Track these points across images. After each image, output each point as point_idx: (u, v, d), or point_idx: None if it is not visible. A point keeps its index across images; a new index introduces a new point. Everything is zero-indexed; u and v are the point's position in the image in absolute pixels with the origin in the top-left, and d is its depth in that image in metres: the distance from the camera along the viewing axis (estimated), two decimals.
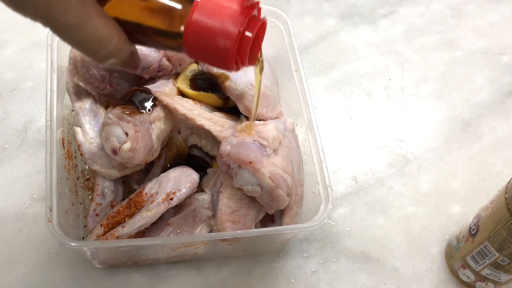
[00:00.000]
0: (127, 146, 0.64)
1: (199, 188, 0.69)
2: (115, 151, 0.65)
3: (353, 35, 1.01)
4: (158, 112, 0.68)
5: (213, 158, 0.73)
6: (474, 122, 0.91)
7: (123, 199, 0.70)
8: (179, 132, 0.73)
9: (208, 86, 0.73)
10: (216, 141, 0.69)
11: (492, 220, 0.65)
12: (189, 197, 0.67)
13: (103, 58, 0.45)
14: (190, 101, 0.71)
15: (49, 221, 0.61)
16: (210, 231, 0.67)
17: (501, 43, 1.01)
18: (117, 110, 0.66)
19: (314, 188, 0.69)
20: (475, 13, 1.06)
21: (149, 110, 0.67)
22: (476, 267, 0.70)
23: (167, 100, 0.68)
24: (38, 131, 0.84)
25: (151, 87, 0.71)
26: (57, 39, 0.74)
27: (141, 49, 0.70)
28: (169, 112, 0.69)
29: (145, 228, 0.65)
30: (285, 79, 0.78)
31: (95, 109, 0.72)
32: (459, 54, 1.00)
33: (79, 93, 0.73)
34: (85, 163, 0.70)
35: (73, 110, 0.74)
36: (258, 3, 0.47)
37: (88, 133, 0.70)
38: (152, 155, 0.69)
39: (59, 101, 0.71)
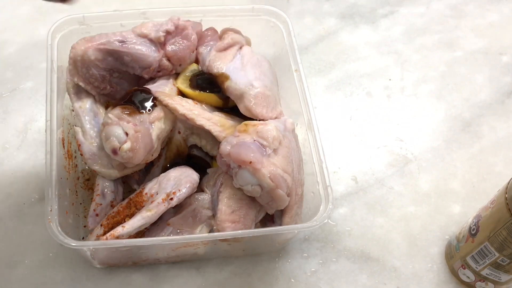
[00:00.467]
0: (127, 146, 0.64)
1: (199, 188, 0.69)
2: (115, 151, 0.65)
3: (353, 35, 1.01)
4: (158, 112, 0.68)
5: (213, 158, 0.73)
6: (474, 122, 0.91)
7: (123, 199, 0.70)
8: (179, 132, 0.73)
9: (208, 86, 0.73)
10: (216, 141, 0.69)
11: (492, 220, 0.65)
12: (189, 197, 0.67)
13: None
14: (190, 101, 0.71)
15: (49, 221, 0.61)
16: (210, 231, 0.67)
17: (501, 43, 1.01)
18: (117, 110, 0.66)
19: (314, 188, 0.69)
20: (475, 13, 1.05)
21: (149, 110, 0.67)
22: (476, 267, 0.70)
23: (167, 100, 0.68)
24: (38, 131, 0.84)
25: (151, 87, 0.71)
26: (57, 39, 0.74)
27: (141, 49, 0.71)
28: (169, 112, 0.69)
29: (145, 228, 0.65)
30: (285, 79, 0.78)
31: (95, 109, 0.72)
32: (459, 54, 1.00)
33: (79, 93, 0.73)
34: (85, 163, 0.70)
35: (73, 110, 0.74)
36: None
37: (88, 133, 0.70)
38: (152, 155, 0.69)
39: (59, 101, 0.71)
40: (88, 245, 0.64)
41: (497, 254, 0.66)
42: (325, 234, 0.78)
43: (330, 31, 1.01)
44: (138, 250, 0.67)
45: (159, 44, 0.72)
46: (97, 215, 0.69)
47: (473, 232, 0.69)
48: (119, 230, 0.63)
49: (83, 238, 0.71)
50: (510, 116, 0.92)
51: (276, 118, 0.72)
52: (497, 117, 0.92)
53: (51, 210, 0.62)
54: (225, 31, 0.78)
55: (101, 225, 0.66)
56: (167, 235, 0.66)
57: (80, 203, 0.73)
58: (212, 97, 0.73)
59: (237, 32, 0.78)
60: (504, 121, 0.91)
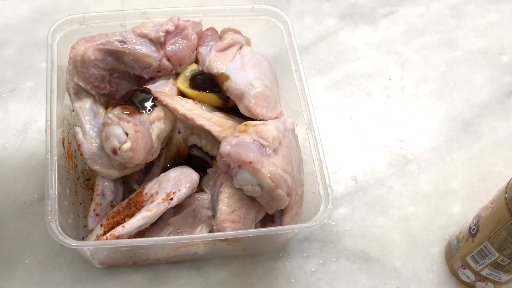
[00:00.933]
0: (127, 146, 0.64)
1: (199, 188, 0.69)
2: (115, 151, 0.65)
3: (353, 35, 1.01)
4: (158, 112, 0.68)
5: (213, 158, 0.73)
6: (474, 122, 0.91)
7: (123, 199, 0.70)
8: (179, 132, 0.73)
9: (208, 86, 0.73)
10: (216, 141, 0.69)
11: (492, 220, 0.65)
12: (189, 197, 0.67)
13: None
14: (190, 101, 0.71)
15: (49, 221, 0.61)
16: (210, 231, 0.67)
17: (501, 43, 1.01)
18: (117, 110, 0.66)
19: (314, 188, 0.69)
20: (475, 13, 1.05)
21: (149, 110, 0.67)
22: (476, 267, 0.70)
23: (167, 100, 0.68)
24: (38, 131, 0.84)
25: (151, 87, 0.71)
26: (57, 39, 0.74)
27: (141, 49, 0.71)
28: (169, 112, 0.69)
29: (145, 228, 0.65)
30: (285, 79, 0.78)
31: (95, 109, 0.72)
32: (459, 54, 1.00)
33: (79, 93, 0.73)
34: (85, 163, 0.70)
35: (73, 110, 0.74)
36: None
37: (88, 133, 0.70)
38: (152, 155, 0.69)
39: (59, 101, 0.71)
40: (88, 245, 0.64)
41: (497, 254, 0.66)
42: (325, 234, 0.78)
43: (330, 31, 1.01)
44: (138, 250, 0.67)
45: (159, 44, 0.72)
46: (97, 215, 0.69)
47: (473, 232, 0.69)
48: (119, 230, 0.63)
49: (83, 238, 0.71)
50: (510, 116, 0.92)
51: (276, 118, 0.72)
52: (497, 117, 0.92)
53: (51, 210, 0.62)
54: (225, 31, 0.78)
55: (101, 225, 0.66)
56: (167, 235, 0.66)
57: (80, 203, 0.73)
58: (212, 97, 0.73)
59: (237, 32, 0.78)
60: (504, 121, 0.91)
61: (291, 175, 0.66)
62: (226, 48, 0.75)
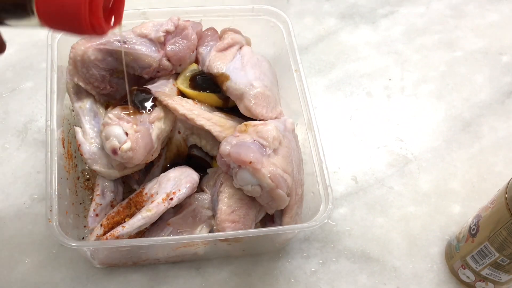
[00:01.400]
0: (127, 146, 0.64)
1: (199, 188, 0.69)
2: (115, 151, 0.65)
3: (353, 35, 1.01)
4: (158, 112, 0.68)
5: (213, 158, 0.73)
6: (474, 122, 0.91)
7: (123, 199, 0.70)
8: (179, 132, 0.73)
9: (208, 86, 0.73)
10: (216, 141, 0.69)
11: (492, 220, 0.65)
12: (189, 197, 0.67)
13: None
14: (190, 101, 0.71)
15: (49, 221, 0.61)
16: (210, 231, 0.67)
17: (501, 43, 1.01)
18: (117, 110, 0.66)
19: (314, 188, 0.69)
20: (475, 13, 1.05)
21: (149, 110, 0.67)
22: (476, 267, 0.70)
23: (167, 100, 0.68)
24: (38, 131, 0.84)
25: (151, 87, 0.71)
26: (57, 39, 0.74)
27: (141, 49, 0.71)
28: (169, 112, 0.69)
29: (145, 228, 0.65)
30: (285, 79, 0.78)
31: (95, 109, 0.72)
32: (459, 54, 1.00)
33: (79, 93, 0.73)
34: (85, 163, 0.70)
35: (73, 110, 0.74)
36: None
37: (88, 133, 0.70)
38: (152, 155, 0.69)
39: (59, 101, 0.71)
40: (88, 245, 0.64)
41: (497, 254, 0.66)
42: (325, 234, 0.78)
43: (330, 31, 1.01)
44: (138, 250, 0.67)
45: (159, 44, 0.72)
46: (97, 215, 0.69)
47: (473, 232, 0.69)
48: (119, 230, 0.63)
49: (83, 238, 0.71)
50: (510, 116, 0.92)
51: (276, 118, 0.72)
52: (497, 117, 0.92)
53: (51, 210, 0.62)
54: (225, 31, 0.78)
55: (101, 225, 0.66)
56: (167, 235, 0.66)
57: (80, 203, 0.73)
58: (212, 97, 0.73)
59: (237, 32, 0.78)
60: (504, 121, 0.91)
61: (291, 175, 0.66)
62: (226, 48, 0.75)
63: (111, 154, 0.65)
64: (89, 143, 0.69)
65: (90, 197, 0.74)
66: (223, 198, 0.65)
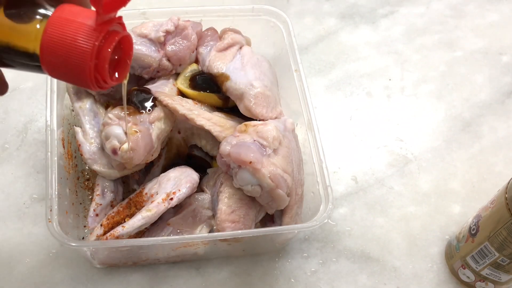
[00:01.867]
0: (127, 146, 0.64)
1: (199, 188, 0.69)
2: (115, 151, 0.65)
3: (353, 35, 1.01)
4: (158, 112, 0.68)
5: (213, 158, 0.73)
6: (474, 122, 0.91)
7: (123, 199, 0.70)
8: (179, 132, 0.73)
9: (208, 86, 0.73)
10: (216, 141, 0.69)
11: (492, 220, 0.65)
12: (189, 197, 0.67)
13: None
14: (190, 101, 0.71)
15: (49, 221, 0.61)
16: (210, 231, 0.67)
17: (501, 43, 1.01)
18: (117, 110, 0.66)
19: (314, 188, 0.69)
20: (475, 13, 1.05)
21: (149, 110, 0.67)
22: (476, 267, 0.70)
23: (167, 100, 0.68)
24: (38, 131, 0.84)
25: (151, 87, 0.71)
26: None
27: (141, 49, 0.71)
28: (169, 112, 0.69)
29: (145, 228, 0.65)
30: (285, 79, 0.78)
31: (95, 109, 0.72)
32: (459, 54, 1.00)
33: (79, 93, 0.73)
34: (85, 163, 0.70)
35: (73, 110, 0.74)
36: (118, 18, 0.45)
37: (88, 133, 0.70)
38: (152, 155, 0.69)
39: (59, 101, 0.71)
40: (88, 245, 0.64)
41: (497, 254, 0.66)
42: (325, 234, 0.78)
43: (330, 31, 1.01)
44: (138, 250, 0.67)
45: (159, 44, 0.72)
46: (97, 215, 0.69)
47: (473, 232, 0.69)
48: (119, 230, 0.63)
49: (83, 238, 0.71)
50: (510, 116, 0.92)
51: (276, 118, 0.72)
52: (497, 117, 0.92)
53: (51, 210, 0.62)
54: (225, 31, 0.78)
55: (101, 225, 0.66)
56: (167, 235, 0.66)
57: (80, 203, 0.73)
58: (212, 97, 0.73)
59: (237, 32, 0.78)
60: (504, 121, 0.91)
61: (291, 175, 0.66)
62: (226, 48, 0.75)
63: (111, 154, 0.65)
64: (89, 143, 0.69)
65: (90, 197, 0.74)
66: (223, 198, 0.65)
